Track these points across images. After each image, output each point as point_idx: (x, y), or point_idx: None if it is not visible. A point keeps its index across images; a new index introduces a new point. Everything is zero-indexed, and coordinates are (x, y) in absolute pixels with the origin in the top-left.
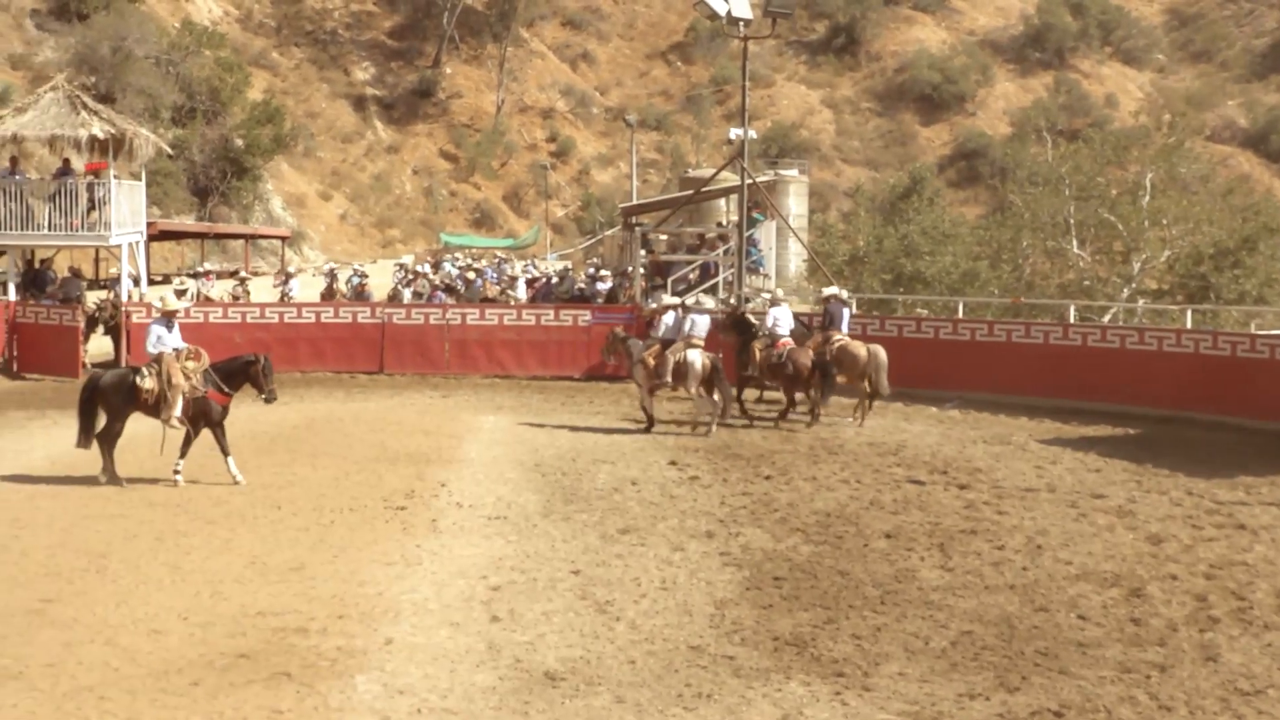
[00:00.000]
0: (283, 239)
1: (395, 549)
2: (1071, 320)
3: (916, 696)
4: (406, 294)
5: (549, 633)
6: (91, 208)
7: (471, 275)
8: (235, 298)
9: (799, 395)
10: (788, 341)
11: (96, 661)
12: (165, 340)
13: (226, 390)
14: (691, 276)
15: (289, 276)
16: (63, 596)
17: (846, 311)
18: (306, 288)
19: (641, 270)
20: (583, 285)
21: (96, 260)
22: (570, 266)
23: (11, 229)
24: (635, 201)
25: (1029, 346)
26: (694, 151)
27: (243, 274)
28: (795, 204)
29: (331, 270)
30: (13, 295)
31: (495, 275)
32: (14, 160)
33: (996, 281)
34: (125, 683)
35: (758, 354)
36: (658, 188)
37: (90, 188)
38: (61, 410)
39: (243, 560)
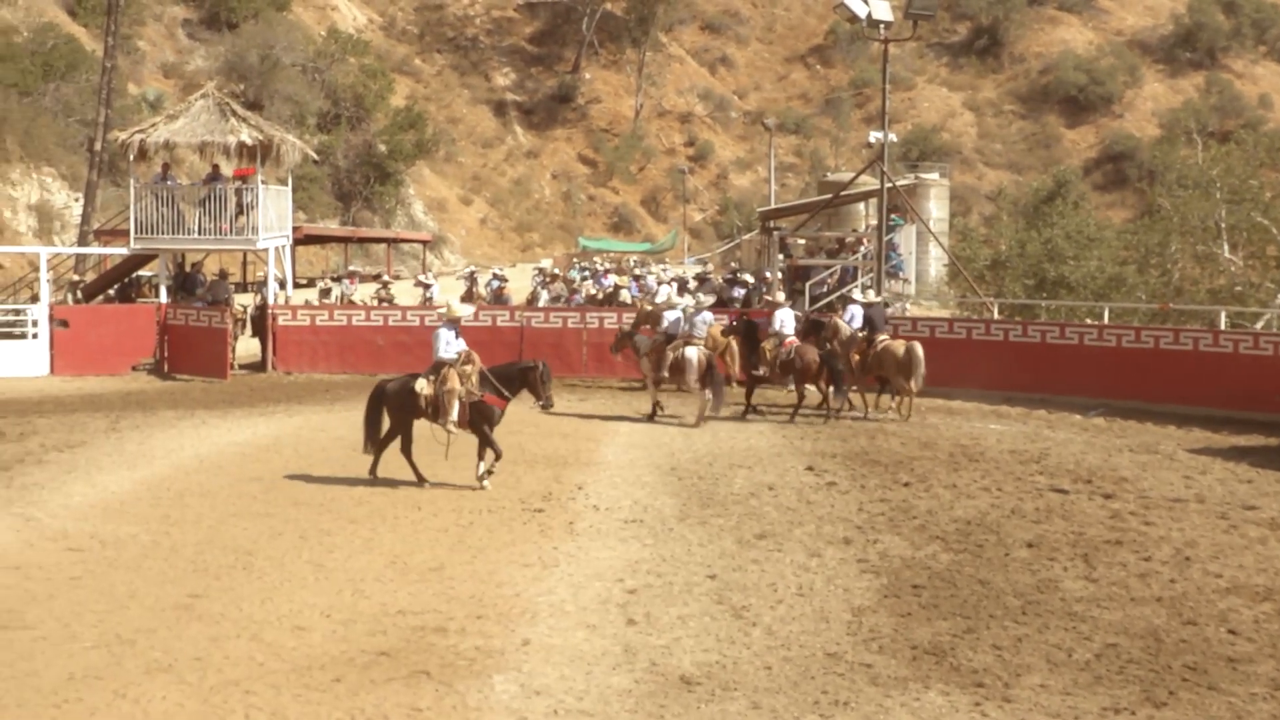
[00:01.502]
0: (424, 243)
1: (533, 551)
2: (1222, 326)
3: (1059, 709)
4: (544, 297)
5: (685, 637)
6: (240, 212)
7: (592, 288)
8: (380, 301)
9: (811, 390)
10: (794, 340)
11: (242, 656)
12: (451, 347)
13: (505, 394)
14: (830, 281)
15: (428, 284)
16: (210, 592)
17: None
18: (447, 291)
19: (779, 274)
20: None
21: (244, 263)
22: (710, 270)
23: (163, 233)
24: (773, 205)
25: (1178, 353)
26: (833, 155)
27: (385, 278)
28: (936, 208)
29: (471, 274)
30: (164, 297)
31: (636, 289)
32: (166, 166)
33: (1144, 287)
34: (269, 678)
35: (768, 353)
36: (796, 192)
37: (239, 192)
38: (210, 410)
39: (384, 559)
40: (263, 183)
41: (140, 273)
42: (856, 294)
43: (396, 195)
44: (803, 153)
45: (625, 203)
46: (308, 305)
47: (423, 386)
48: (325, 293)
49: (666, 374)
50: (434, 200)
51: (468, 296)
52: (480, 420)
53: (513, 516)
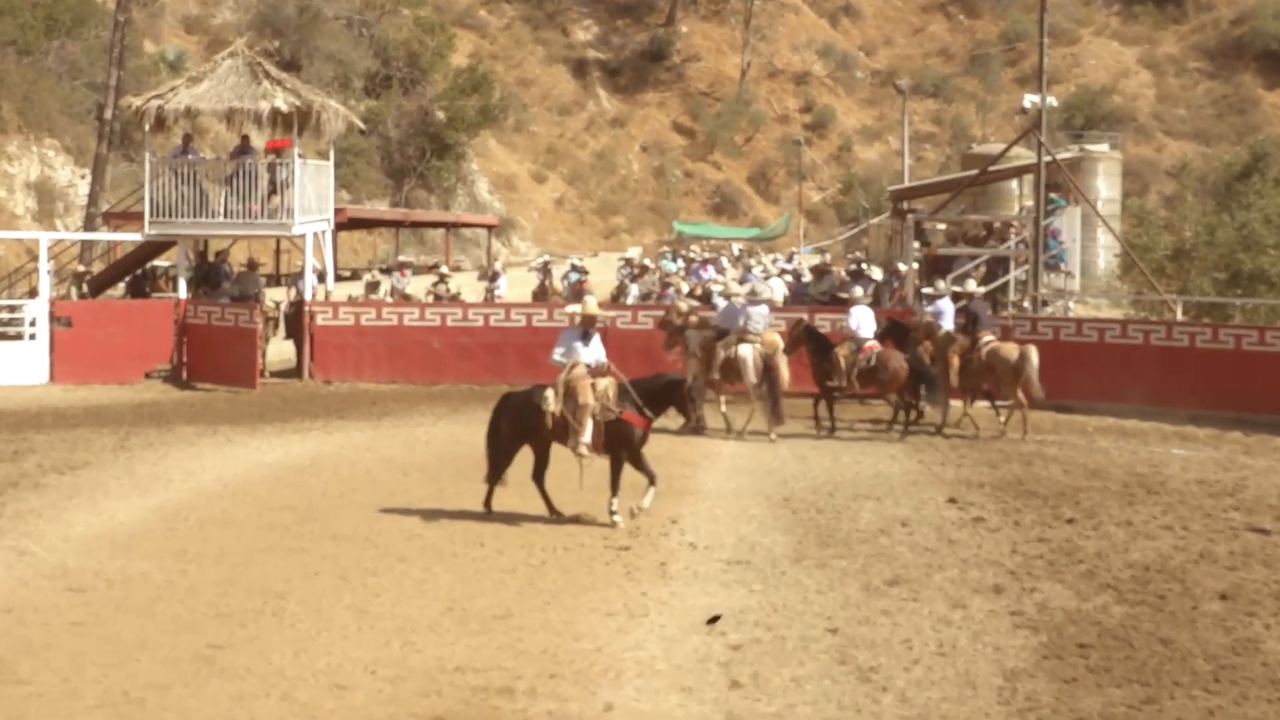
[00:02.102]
0: (489, 228)
1: (617, 597)
2: None
3: None
4: (633, 292)
5: (800, 703)
6: (273, 191)
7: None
8: (436, 297)
9: (895, 401)
10: (874, 345)
11: (271, 718)
12: (579, 352)
13: (648, 413)
14: (976, 275)
15: (496, 273)
16: (234, 642)
17: (949, 306)
18: (516, 285)
19: (915, 266)
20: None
21: (277, 252)
22: (829, 261)
23: (183, 216)
24: (907, 183)
25: None
26: (979, 123)
27: (443, 269)
28: (1105, 186)
29: (545, 265)
30: (183, 292)
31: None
32: (187, 138)
33: None
34: None
35: (842, 361)
36: (934, 167)
37: (271, 169)
38: (236, 426)
39: (439, 605)
40: (300, 157)
41: (156, 263)
42: (940, 285)
43: (457, 172)
44: (942, 120)
45: (728, 180)
46: (351, 301)
47: (549, 401)
48: (372, 287)
49: (717, 375)
50: (501, 177)
51: (541, 292)
52: (619, 443)
53: (593, 555)
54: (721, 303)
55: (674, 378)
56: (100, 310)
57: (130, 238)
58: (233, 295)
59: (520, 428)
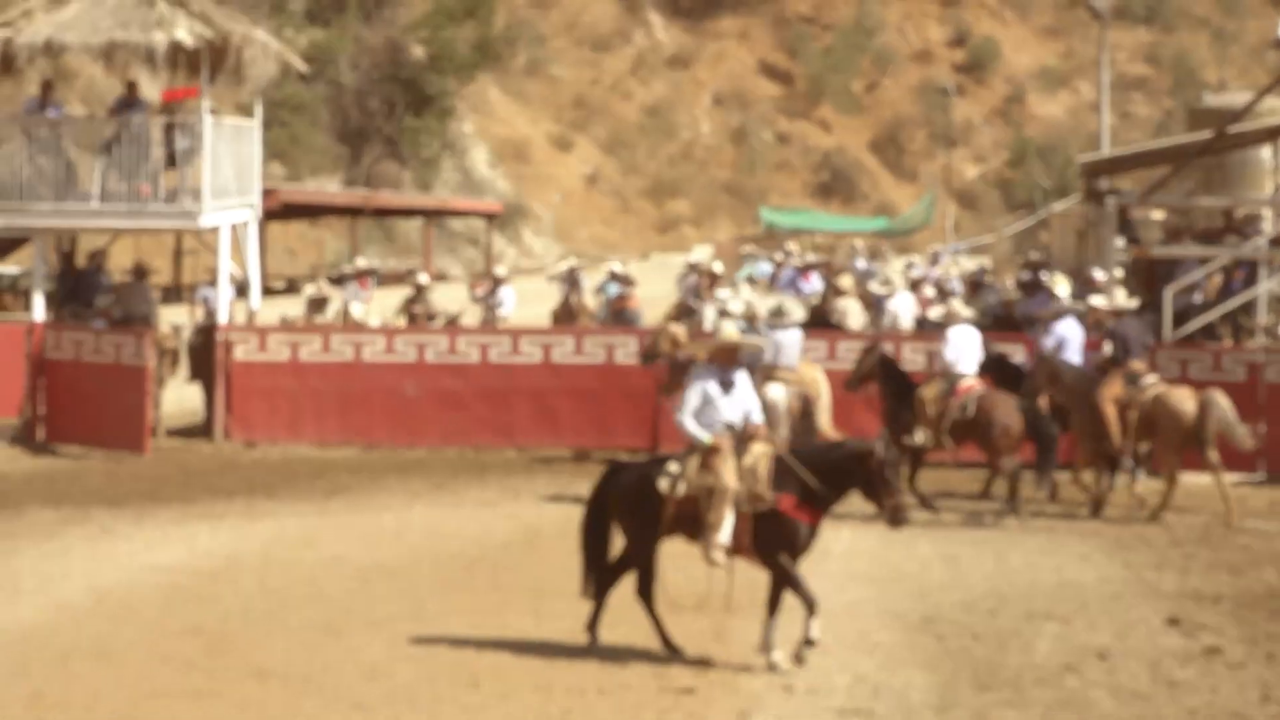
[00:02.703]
0: (489, 218)
1: None
2: None
3: None
4: (707, 314)
5: None
6: (171, 164)
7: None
8: (411, 318)
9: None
10: (973, 385)
11: None
12: (719, 406)
13: (818, 497)
14: (1207, 286)
15: (498, 281)
16: None
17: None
18: (528, 302)
19: (1119, 273)
20: (1012, 297)
21: (178, 253)
22: (990, 267)
23: (40, 199)
24: (1107, 153)
25: None
26: (1215, 62)
27: (421, 278)
28: None
29: (572, 272)
30: (40, 311)
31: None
32: (46, 86)
33: None
34: None
35: (930, 407)
36: (1148, 128)
37: (170, 131)
38: (116, 509)
39: None
40: (212, 113)
41: (1, 269)
42: (1059, 293)
43: (442, 135)
44: (1159, 58)
45: (842, 147)
46: (285, 326)
47: (671, 481)
48: (317, 304)
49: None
50: (508, 144)
51: (565, 312)
52: (775, 544)
53: (642, 702)
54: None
55: (858, 446)
56: None
57: None
58: (113, 317)
59: (632, 518)
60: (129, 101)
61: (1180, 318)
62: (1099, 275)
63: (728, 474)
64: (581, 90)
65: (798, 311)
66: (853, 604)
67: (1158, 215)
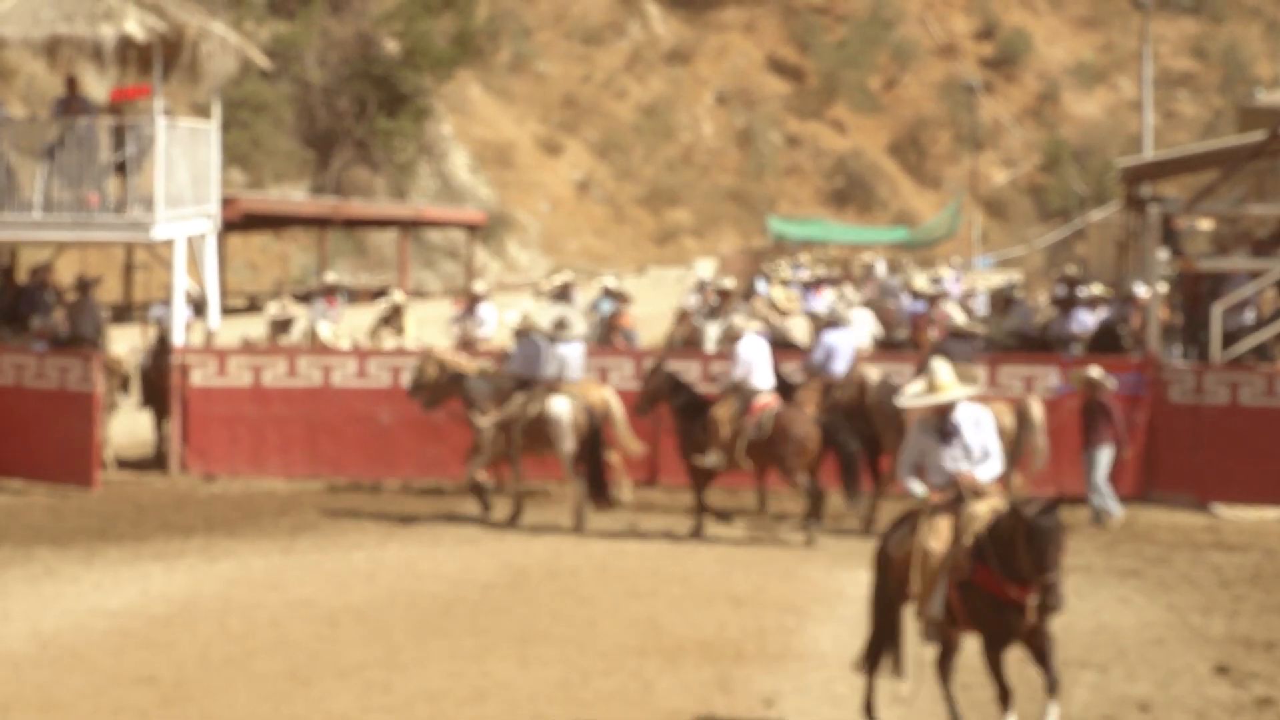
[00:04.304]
0: (470, 228)
1: None
2: None
3: None
4: (710, 333)
5: None
6: (120, 170)
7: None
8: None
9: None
10: (770, 401)
11: None
12: (944, 460)
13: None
14: (1260, 302)
15: (476, 299)
16: None
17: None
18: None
19: (1163, 289)
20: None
21: (128, 268)
22: (1021, 281)
23: None
24: (1149, 156)
25: None
26: (1268, 56)
27: (396, 295)
28: None
29: (564, 288)
30: None
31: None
32: None
33: None
34: None
35: (723, 425)
36: (1195, 129)
37: (118, 134)
38: (62, 549)
39: None
40: (165, 114)
41: None
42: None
43: (418, 138)
44: (1206, 51)
45: (858, 150)
46: (247, 348)
47: (886, 541)
48: (282, 325)
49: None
50: (490, 147)
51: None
52: (996, 620)
53: None
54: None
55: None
56: None
57: None
58: (57, 337)
59: (872, 578)
60: (74, 101)
61: (1230, 337)
62: (1141, 291)
63: (932, 536)
64: (571, 88)
65: (580, 325)
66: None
67: (1205, 225)
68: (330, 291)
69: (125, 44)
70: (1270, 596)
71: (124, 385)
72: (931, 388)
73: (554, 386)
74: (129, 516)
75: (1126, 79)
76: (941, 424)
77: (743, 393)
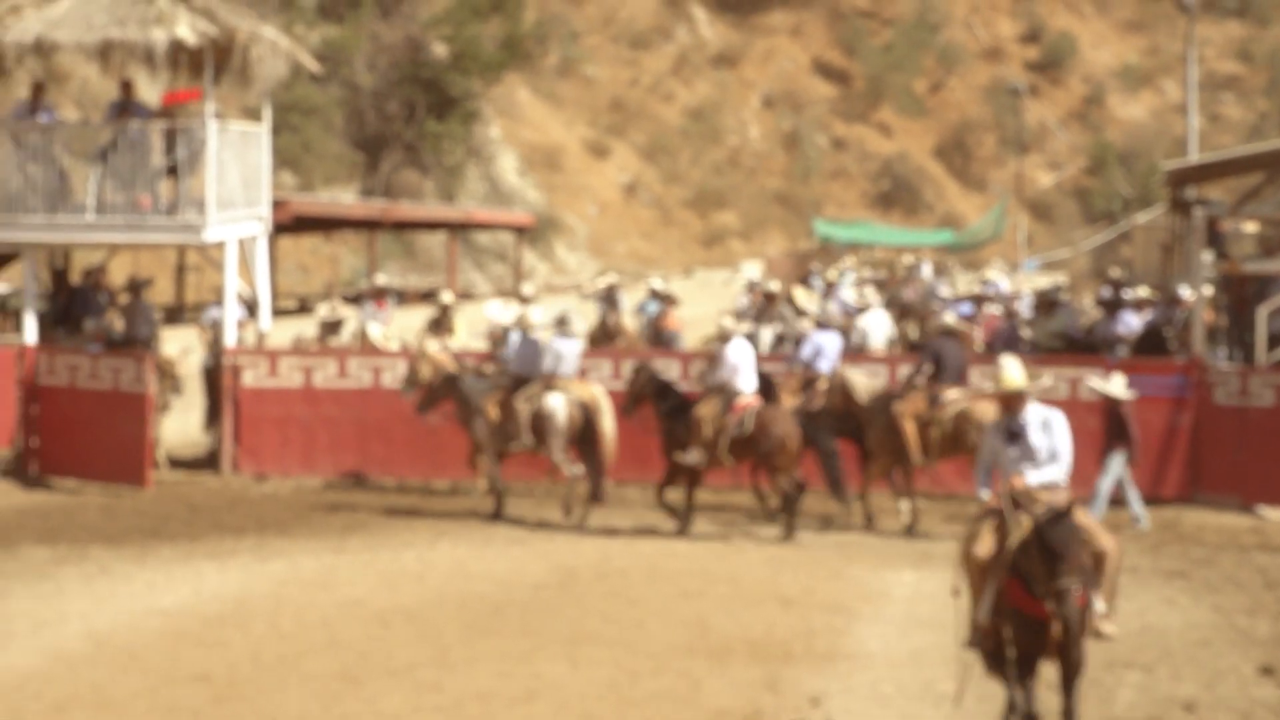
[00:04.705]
0: (518, 230)
1: None
2: None
3: None
4: (765, 337)
5: None
6: (172, 173)
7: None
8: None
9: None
10: (750, 401)
11: None
12: (1011, 464)
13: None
14: None
15: (525, 301)
16: None
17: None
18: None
19: (1208, 291)
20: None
21: (180, 269)
22: (1066, 284)
23: (30, 212)
24: (1195, 159)
25: None
26: None
27: (445, 296)
28: None
29: (610, 290)
30: (31, 334)
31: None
32: (37, 89)
33: None
34: None
35: (706, 424)
36: (1241, 132)
37: (170, 137)
38: (116, 548)
39: None
40: (217, 118)
41: None
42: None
43: (467, 141)
44: (1253, 54)
45: (904, 153)
46: (298, 350)
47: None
48: (331, 327)
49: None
50: (538, 150)
51: (602, 333)
52: (1022, 642)
53: None
54: (515, 338)
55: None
56: None
57: None
58: (110, 339)
59: None
60: (126, 105)
61: (1275, 340)
62: (1186, 293)
63: (978, 541)
64: (619, 92)
65: (579, 322)
66: (916, 651)
67: (1251, 228)
68: (380, 293)
69: (177, 48)
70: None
71: (176, 386)
72: (997, 383)
73: (550, 383)
74: (182, 516)
75: (1172, 82)
76: (1009, 423)
77: (726, 393)
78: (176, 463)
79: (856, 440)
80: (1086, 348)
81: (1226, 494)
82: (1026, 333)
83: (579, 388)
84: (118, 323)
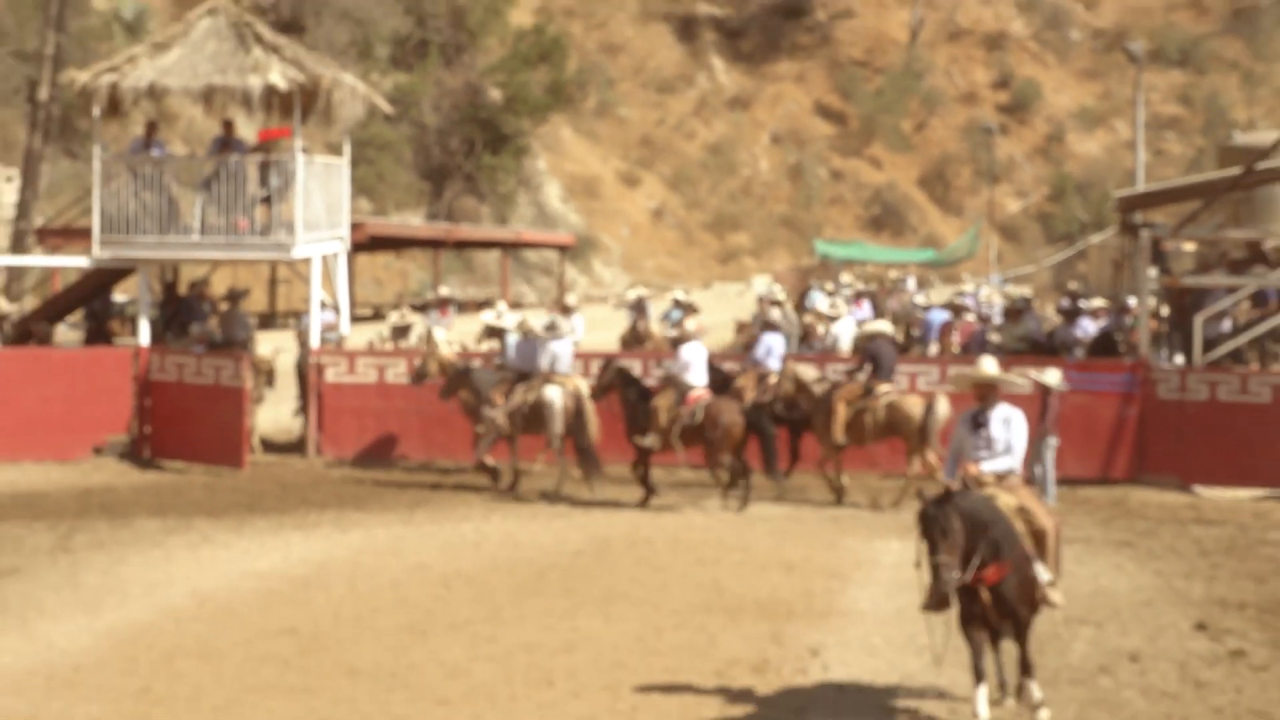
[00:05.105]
0: (561, 249)
1: None
2: None
3: None
4: (768, 344)
5: None
6: (266, 200)
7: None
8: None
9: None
10: (701, 394)
11: None
12: (966, 449)
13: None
14: (1235, 314)
15: (568, 310)
16: None
17: (782, 342)
18: (597, 327)
19: (1152, 301)
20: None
21: (272, 282)
22: (1031, 296)
23: (145, 233)
24: (1142, 188)
25: None
26: (1244, 102)
27: (500, 306)
28: None
29: (640, 301)
30: (145, 337)
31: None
32: (151, 127)
33: None
34: None
35: (663, 413)
36: (1181, 165)
37: (265, 169)
38: (217, 520)
39: None
40: (303, 152)
41: (117, 297)
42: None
43: (517, 172)
44: (1192, 99)
45: (893, 183)
46: (373, 350)
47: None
48: (401, 331)
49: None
50: (579, 180)
51: (632, 337)
52: (961, 607)
53: (703, 701)
54: (511, 339)
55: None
56: (34, 363)
57: (73, 262)
58: (212, 341)
59: None
60: (227, 141)
61: (1209, 344)
62: (1133, 303)
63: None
64: (648, 130)
65: (567, 326)
66: (901, 610)
67: (1189, 247)
68: (443, 302)
69: (270, 92)
70: (1243, 564)
71: (269, 381)
72: (974, 374)
73: (548, 378)
74: (273, 493)
75: (1122, 122)
76: (976, 414)
77: (680, 386)
78: (269, 447)
79: (804, 426)
80: (1048, 350)
81: (1167, 475)
82: (996, 337)
83: (570, 381)
84: (218, 328)
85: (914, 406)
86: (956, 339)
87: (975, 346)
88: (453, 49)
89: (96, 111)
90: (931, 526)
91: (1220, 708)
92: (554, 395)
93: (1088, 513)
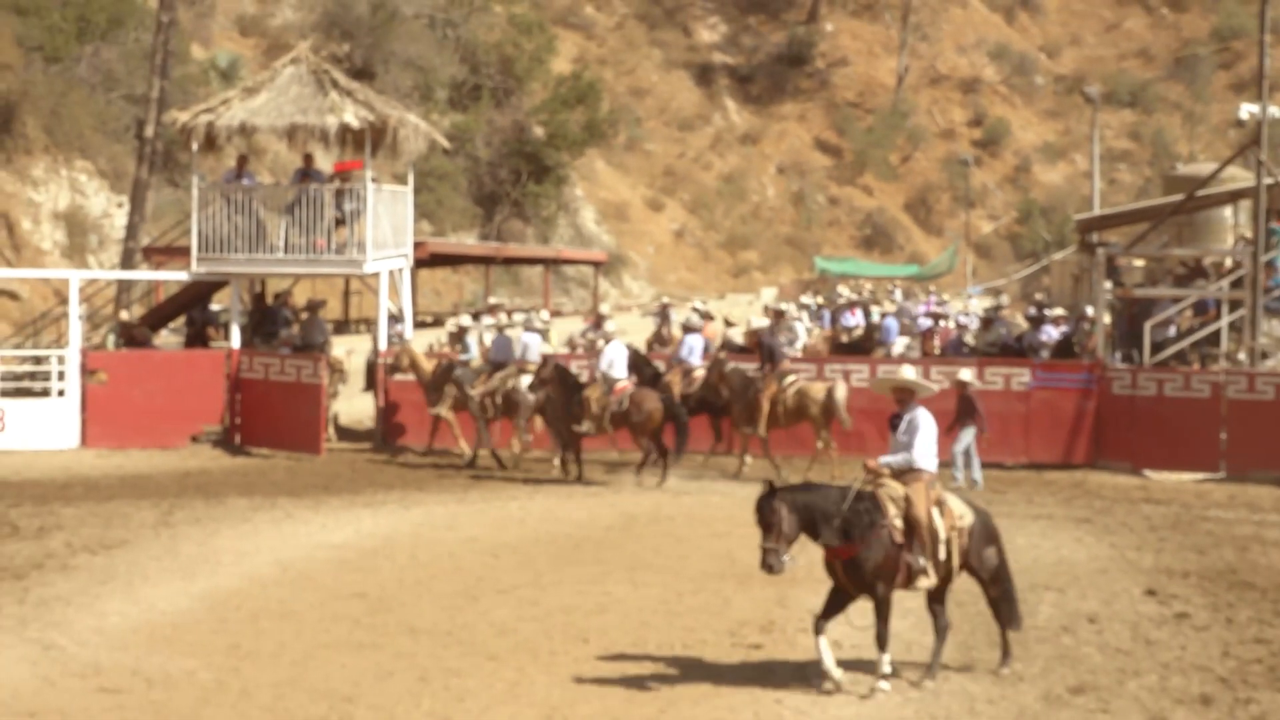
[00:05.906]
0: (596, 265)
1: (746, 704)
2: None
3: None
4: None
5: None
6: (341, 222)
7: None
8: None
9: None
10: (626, 385)
11: None
12: (900, 448)
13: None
14: (1179, 321)
15: (602, 317)
16: None
17: (702, 342)
18: (627, 333)
19: (1107, 311)
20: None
21: (346, 293)
22: (1002, 305)
23: (237, 251)
24: (1097, 211)
25: None
26: (1185, 138)
27: (543, 316)
28: None
29: (663, 309)
30: (236, 341)
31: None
32: (242, 160)
33: None
34: None
35: (593, 402)
36: (1131, 192)
37: (340, 195)
38: (297, 499)
39: (534, 714)
40: (373, 181)
41: (211, 307)
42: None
43: (558, 199)
44: (1141, 135)
45: (882, 207)
46: (432, 352)
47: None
48: (457, 335)
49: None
50: (610, 205)
51: (657, 341)
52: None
53: (719, 655)
54: (488, 336)
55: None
56: (140, 363)
57: (175, 276)
58: (294, 344)
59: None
60: (307, 172)
61: (1157, 347)
62: (1090, 312)
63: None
64: (670, 162)
65: (538, 320)
66: None
67: (1139, 263)
68: (494, 310)
69: (344, 130)
70: (1186, 538)
71: (343, 379)
72: (900, 377)
73: (522, 367)
74: (346, 476)
75: (1080, 155)
76: (893, 417)
77: (607, 379)
78: (343, 434)
79: (724, 414)
80: (1017, 353)
81: (1121, 461)
82: (971, 341)
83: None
84: (299, 333)
85: (818, 391)
86: (937, 343)
87: (952, 350)
88: (502, 92)
89: (195, 147)
90: (759, 516)
91: (1167, 663)
92: (525, 383)
93: (1051, 493)
